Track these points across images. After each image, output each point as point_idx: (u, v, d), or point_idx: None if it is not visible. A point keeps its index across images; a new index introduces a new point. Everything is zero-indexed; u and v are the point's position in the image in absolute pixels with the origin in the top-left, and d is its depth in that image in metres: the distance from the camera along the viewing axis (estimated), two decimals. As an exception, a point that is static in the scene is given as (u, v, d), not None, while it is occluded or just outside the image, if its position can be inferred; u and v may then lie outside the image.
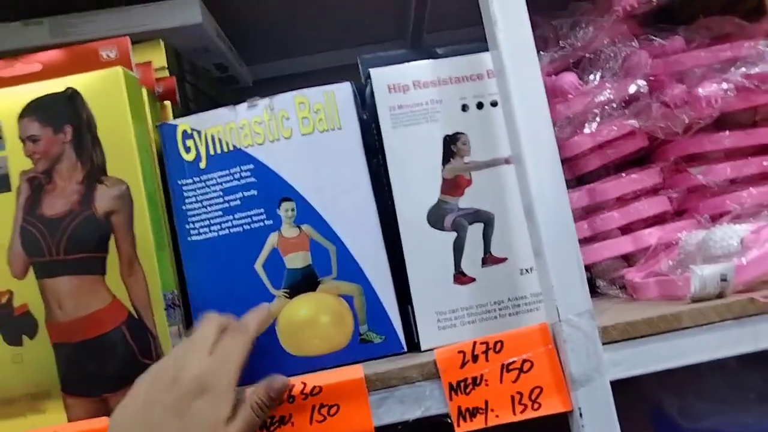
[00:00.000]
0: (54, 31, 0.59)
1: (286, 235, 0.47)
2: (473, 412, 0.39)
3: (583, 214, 0.56)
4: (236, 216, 0.48)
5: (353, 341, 0.46)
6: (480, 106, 0.49)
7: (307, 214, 0.47)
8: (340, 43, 0.84)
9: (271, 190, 0.48)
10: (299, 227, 0.47)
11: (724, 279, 0.42)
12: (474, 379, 0.40)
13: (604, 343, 0.40)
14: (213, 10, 0.64)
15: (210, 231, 0.48)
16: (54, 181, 0.46)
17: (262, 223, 0.48)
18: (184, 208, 0.49)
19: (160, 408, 0.36)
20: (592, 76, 0.56)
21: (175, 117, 0.55)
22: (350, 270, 0.47)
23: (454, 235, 0.47)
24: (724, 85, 0.52)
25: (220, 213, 0.48)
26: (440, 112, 0.48)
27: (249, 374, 0.42)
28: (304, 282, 0.47)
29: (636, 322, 0.40)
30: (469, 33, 0.79)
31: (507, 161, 0.48)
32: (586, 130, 0.54)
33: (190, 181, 0.49)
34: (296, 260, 0.47)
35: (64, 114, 0.46)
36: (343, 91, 0.49)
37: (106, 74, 0.47)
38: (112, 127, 0.46)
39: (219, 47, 0.67)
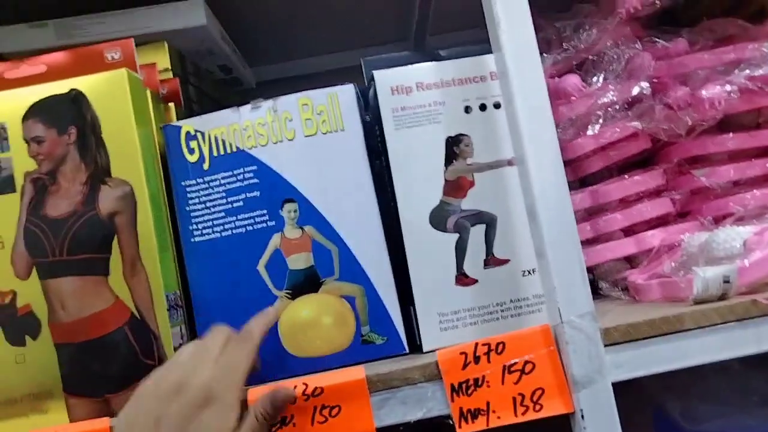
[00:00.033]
0: (59, 33, 0.59)
1: (288, 236, 0.47)
2: (475, 414, 0.39)
3: (585, 215, 0.56)
4: (239, 217, 0.48)
5: (355, 342, 0.47)
6: (483, 107, 0.49)
7: (309, 215, 0.47)
8: (343, 45, 0.85)
9: (274, 191, 0.48)
10: (302, 228, 0.47)
11: (726, 281, 0.42)
12: (476, 380, 0.40)
13: (606, 345, 0.40)
14: (217, 12, 0.64)
15: (213, 232, 0.48)
16: (58, 182, 0.46)
17: (264, 224, 0.48)
18: (187, 209, 0.49)
19: (166, 419, 0.36)
20: (595, 78, 0.55)
21: (178, 118, 0.55)
22: (352, 271, 0.47)
23: (456, 236, 0.47)
24: (728, 87, 0.51)
25: (223, 214, 0.48)
26: (443, 114, 0.48)
27: (251, 375, 0.42)
28: (306, 283, 0.47)
29: (638, 324, 0.40)
30: (471, 35, 0.79)
31: (510, 163, 0.48)
32: (589, 132, 0.54)
33: (193, 182, 0.49)
34: (299, 261, 0.47)
35: (68, 115, 0.47)
36: (346, 93, 0.49)
37: (110, 76, 0.47)
38: (116, 128, 0.47)
39: (223, 49, 0.67)
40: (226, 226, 0.48)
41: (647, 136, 0.56)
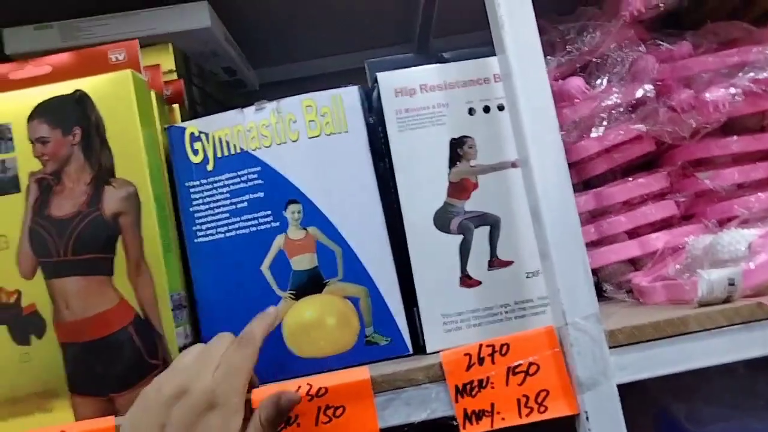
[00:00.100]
0: (64, 34, 0.60)
1: (292, 237, 0.47)
2: (479, 415, 0.39)
3: (589, 217, 0.56)
4: (243, 218, 0.48)
5: (359, 343, 0.46)
6: (487, 109, 0.49)
7: (313, 216, 0.48)
8: (346, 47, 0.85)
9: (278, 192, 0.48)
10: (305, 229, 0.47)
11: (731, 283, 0.42)
12: (480, 381, 0.40)
13: (610, 347, 0.40)
14: (221, 14, 0.64)
15: (217, 233, 0.48)
16: (62, 183, 0.46)
17: (268, 225, 0.48)
18: (191, 209, 0.49)
19: (169, 425, 0.36)
20: (599, 81, 0.56)
21: (182, 120, 0.56)
22: (356, 272, 0.47)
23: (460, 238, 0.47)
24: (732, 90, 0.51)
25: (227, 215, 0.48)
26: (447, 116, 0.48)
27: (256, 374, 0.42)
28: (310, 284, 0.47)
29: (643, 326, 0.40)
30: (475, 37, 0.80)
31: (513, 165, 0.48)
32: (593, 135, 0.54)
33: (197, 183, 0.49)
34: (302, 262, 0.47)
35: (73, 116, 0.47)
36: (350, 95, 0.49)
37: (115, 77, 0.48)
38: (120, 129, 0.47)
39: (227, 51, 0.68)
40: (230, 227, 0.48)
41: (651, 139, 0.56)
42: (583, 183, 0.58)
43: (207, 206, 0.49)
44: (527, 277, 0.47)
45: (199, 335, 0.48)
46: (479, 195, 0.48)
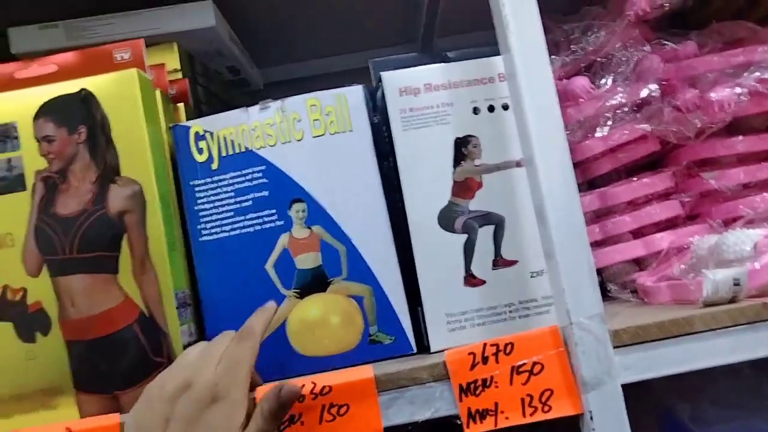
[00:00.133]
0: (69, 34, 0.60)
1: (296, 236, 0.48)
2: (483, 414, 0.39)
3: (594, 217, 0.56)
4: (247, 217, 0.48)
5: (363, 342, 0.47)
6: (491, 109, 0.49)
7: (317, 215, 0.48)
8: (350, 47, 0.85)
9: (283, 191, 0.48)
10: (310, 228, 0.48)
11: (737, 283, 0.42)
12: (484, 380, 0.40)
13: (615, 347, 0.40)
14: (225, 13, 0.65)
15: (221, 231, 0.48)
16: (68, 181, 0.47)
17: (273, 224, 0.48)
18: (196, 208, 0.49)
19: (174, 419, 0.36)
20: (603, 81, 0.55)
21: (187, 119, 0.56)
22: (360, 271, 0.47)
23: (464, 237, 0.47)
24: (737, 90, 0.51)
25: (232, 213, 0.48)
26: (451, 115, 0.48)
27: (260, 373, 0.42)
28: (314, 282, 0.47)
29: (647, 326, 0.40)
30: (479, 37, 0.80)
31: (518, 164, 0.48)
32: (598, 134, 0.54)
33: (202, 182, 0.49)
34: (307, 261, 0.47)
35: (78, 115, 0.47)
36: (354, 94, 0.49)
37: (120, 76, 0.48)
38: (125, 128, 0.47)
39: (231, 50, 0.68)
40: (235, 226, 0.48)
41: (656, 139, 0.56)
42: (587, 183, 0.58)
43: (212, 205, 0.49)
44: (531, 277, 0.47)
45: (203, 333, 0.48)
46: (484, 194, 0.48)
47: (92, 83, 0.47)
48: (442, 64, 0.49)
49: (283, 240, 0.48)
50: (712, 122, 0.52)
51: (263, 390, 0.39)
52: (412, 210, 0.47)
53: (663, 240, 0.53)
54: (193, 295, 0.49)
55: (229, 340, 0.40)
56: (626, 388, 0.39)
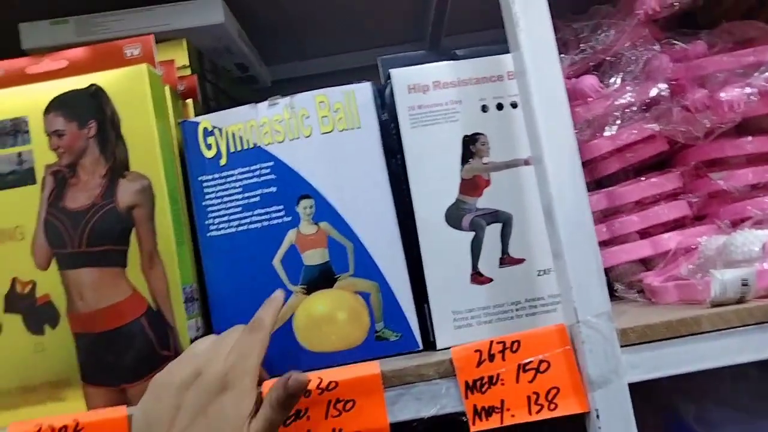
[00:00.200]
0: (79, 30, 0.60)
1: (304, 232, 0.48)
2: (489, 411, 0.39)
3: (601, 217, 0.56)
4: (255, 212, 0.48)
5: (369, 338, 0.47)
6: (500, 107, 0.49)
7: (325, 211, 0.48)
8: (357, 45, 0.85)
9: (290, 187, 0.48)
10: (317, 224, 0.48)
11: (745, 284, 0.42)
12: (490, 378, 0.40)
13: (622, 346, 0.39)
14: (234, 10, 0.65)
15: (229, 227, 0.49)
16: (78, 175, 0.47)
17: (280, 220, 0.48)
18: (204, 203, 0.49)
19: (183, 407, 0.36)
20: (612, 80, 0.55)
21: (196, 115, 0.56)
22: (367, 268, 0.47)
23: (471, 235, 0.47)
24: (747, 90, 0.51)
25: (240, 209, 0.49)
26: (460, 113, 0.48)
27: (267, 369, 0.42)
28: (321, 279, 0.47)
29: (655, 325, 0.40)
30: (486, 36, 0.80)
31: (526, 162, 0.48)
32: (606, 133, 0.54)
33: (210, 177, 0.49)
34: (314, 257, 0.47)
35: (88, 110, 0.47)
36: (363, 91, 0.49)
37: (130, 71, 0.48)
38: (135, 123, 0.47)
39: (240, 47, 0.68)
40: (242, 221, 0.48)
41: (664, 139, 0.55)
42: (595, 182, 0.58)
43: (219, 200, 0.49)
44: (538, 275, 0.47)
45: (210, 328, 0.49)
46: (491, 192, 0.48)
47: (102, 78, 0.48)
48: (451, 61, 0.49)
49: (290, 236, 0.48)
50: (721, 122, 0.52)
51: (269, 384, 0.39)
52: (419, 207, 0.47)
53: (670, 240, 0.53)
54: (200, 290, 0.49)
55: (240, 332, 0.40)
56: (633, 387, 0.39)
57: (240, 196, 0.49)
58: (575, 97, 0.56)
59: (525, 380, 0.40)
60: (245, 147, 0.49)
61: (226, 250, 0.48)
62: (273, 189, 0.48)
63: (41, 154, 0.47)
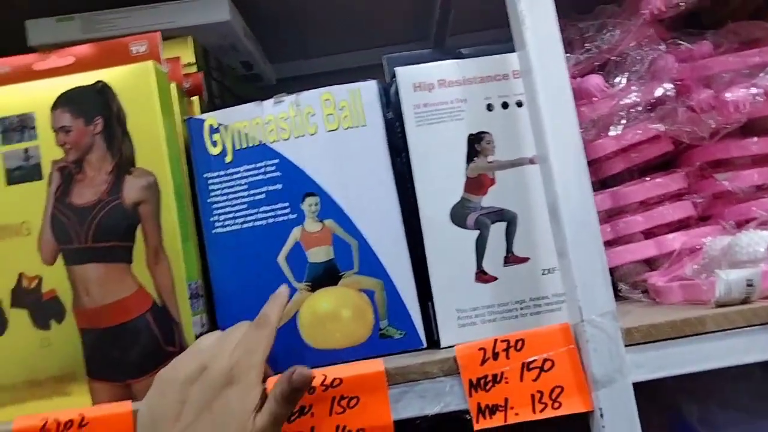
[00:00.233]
0: (85, 27, 0.60)
1: (309, 230, 0.48)
2: (493, 409, 0.39)
3: (606, 217, 0.56)
4: (260, 209, 0.48)
5: (373, 336, 0.47)
6: (505, 105, 0.49)
7: (330, 209, 0.48)
8: (362, 44, 0.85)
9: (296, 184, 0.48)
10: (322, 222, 0.48)
11: (750, 284, 0.42)
12: (494, 376, 0.40)
13: (627, 345, 0.40)
14: (239, 8, 0.65)
15: (234, 224, 0.49)
16: (84, 171, 0.47)
17: (285, 217, 0.48)
18: (209, 200, 0.50)
19: (189, 402, 0.36)
20: (618, 79, 0.55)
21: (201, 112, 0.56)
22: (372, 265, 0.47)
23: (476, 233, 0.47)
24: (753, 91, 0.51)
25: (245, 206, 0.49)
26: (465, 111, 0.48)
27: (271, 365, 0.42)
28: (325, 276, 0.47)
29: (659, 325, 0.40)
30: (491, 35, 0.80)
31: (531, 161, 0.48)
32: (611, 133, 0.54)
33: (215, 174, 0.50)
34: (319, 254, 0.48)
35: (95, 106, 0.47)
36: (368, 89, 0.49)
37: (136, 68, 0.48)
38: (141, 119, 0.47)
39: (245, 45, 0.68)
40: (248, 219, 0.49)
41: (669, 139, 0.55)
42: (600, 182, 0.58)
43: (225, 197, 0.49)
44: (543, 274, 0.47)
45: (215, 324, 0.49)
46: (496, 191, 0.48)
47: (109, 75, 0.48)
48: (457, 60, 0.49)
49: (295, 233, 0.48)
50: (726, 123, 0.52)
51: (274, 381, 0.39)
52: (424, 205, 0.47)
53: (675, 240, 0.53)
54: (205, 287, 0.50)
55: (245, 328, 0.40)
56: (637, 387, 0.39)
57: (245, 193, 0.49)
58: (580, 96, 0.56)
59: (529, 379, 0.40)
60: (251, 144, 0.49)
61: (231, 246, 0.49)
62: (278, 186, 0.48)
63: (48, 150, 0.47)
